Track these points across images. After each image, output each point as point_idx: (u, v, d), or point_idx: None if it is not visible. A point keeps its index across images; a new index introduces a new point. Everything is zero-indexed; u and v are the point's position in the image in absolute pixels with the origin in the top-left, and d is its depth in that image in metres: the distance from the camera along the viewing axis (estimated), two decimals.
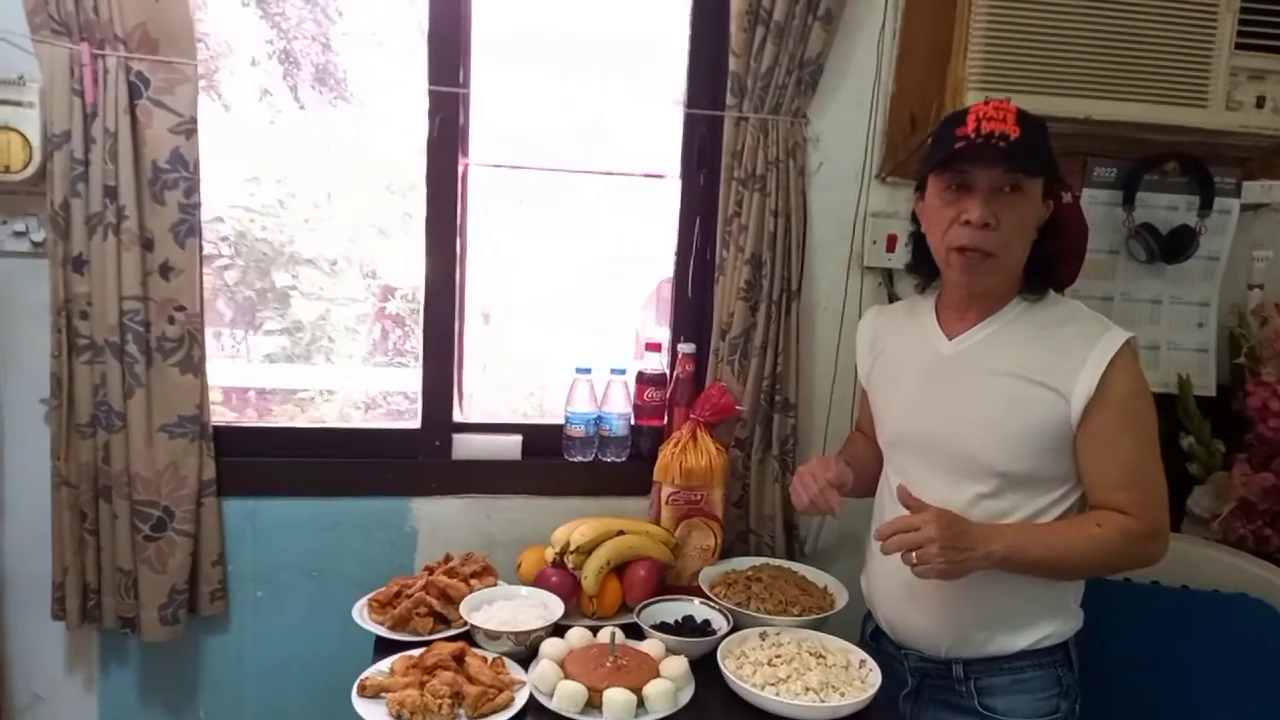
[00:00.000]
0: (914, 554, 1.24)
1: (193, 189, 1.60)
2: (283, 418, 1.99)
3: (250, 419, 1.97)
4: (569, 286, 2.05)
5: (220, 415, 1.84)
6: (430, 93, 1.72)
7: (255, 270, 1.98)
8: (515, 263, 2.02)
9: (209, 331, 1.71)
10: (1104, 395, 1.26)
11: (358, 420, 1.99)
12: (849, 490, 1.46)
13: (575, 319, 2.08)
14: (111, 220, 1.55)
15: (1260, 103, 1.84)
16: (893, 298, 1.92)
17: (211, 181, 1.66)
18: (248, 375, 2.09)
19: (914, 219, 1.45)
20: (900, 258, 1.81)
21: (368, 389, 2.12)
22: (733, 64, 1.72)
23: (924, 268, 1.44)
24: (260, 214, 1.98)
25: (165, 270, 1.60)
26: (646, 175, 1.93)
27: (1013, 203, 1.28)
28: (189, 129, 1.58)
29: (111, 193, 1.55)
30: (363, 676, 1.33)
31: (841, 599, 1.63)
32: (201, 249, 1.64)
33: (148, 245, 1.59)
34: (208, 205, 1.66)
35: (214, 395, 1.98)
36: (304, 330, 2.06)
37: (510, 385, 1.97)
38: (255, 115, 1.94)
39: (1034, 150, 1.27)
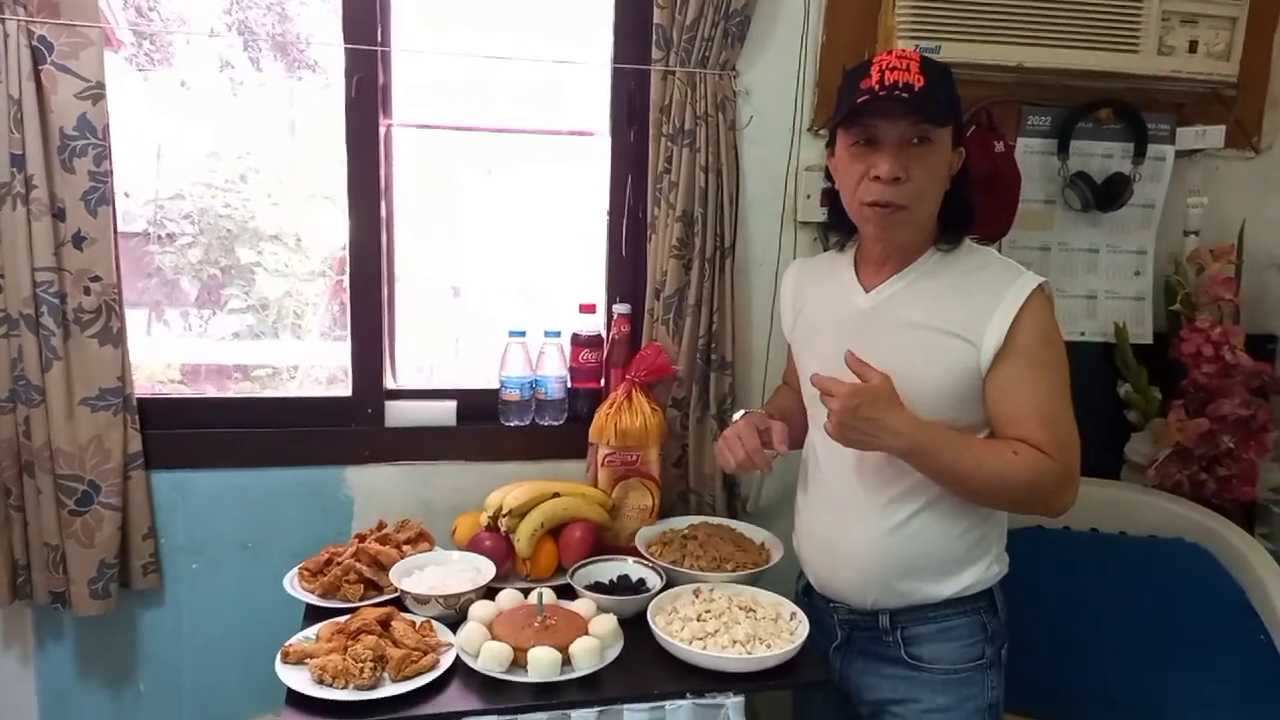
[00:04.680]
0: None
1: (103, 156, 1.56)
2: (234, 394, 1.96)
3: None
4: (527, 251, 2.02)
5: (180, 393, 1.80)
6: (346, 51, 1.68)
7: (219, 248, 1.94)
8: (471, 231, 1.99)
9: (175, 311, 1.68)
10: (1013, 342, 1.25)
11: (290, 390, 1.96)
12: (794, 442, 1.45)
13: (537, 284, 2.05)
14: (20, 190, 1.51)
15: (1192, 47, 1.83)
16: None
17: (173, 158, 1.61)
18: (201, 352, 2.05)
19: (828, 175, 1.43)
20: None
21: (327, 364, 2.08)
22: (657, 16, 1.69)
23: (842, 224, 1.42)
24: (222, 190, 1.94)
25: (78, 240, 1.57)
26: (576, 133, 1.89)
27: (921, 154, 1.26)
28: (96, 94, 1.54)
29: (19, 161, 1.51)
30: (287, 644, 1.33)
31: (776, 554, 1.63)
32: (115, 218, 1.61)
33: (59, 215, 1.56)
34: (169, 183, 1.62)
35: (173, 374, 1.95)
36: (269, 307, 2.03)
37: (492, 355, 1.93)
38: (214, 88, 1.89)
39: (939, 99, 1.25)
